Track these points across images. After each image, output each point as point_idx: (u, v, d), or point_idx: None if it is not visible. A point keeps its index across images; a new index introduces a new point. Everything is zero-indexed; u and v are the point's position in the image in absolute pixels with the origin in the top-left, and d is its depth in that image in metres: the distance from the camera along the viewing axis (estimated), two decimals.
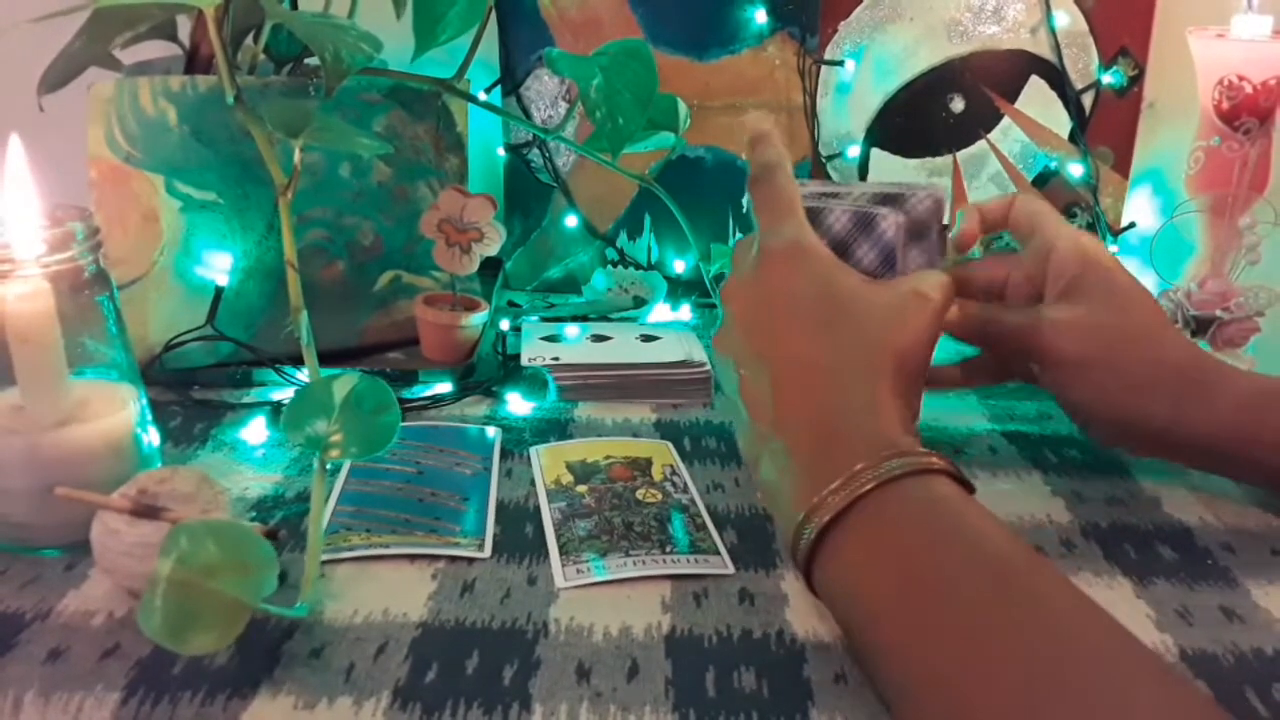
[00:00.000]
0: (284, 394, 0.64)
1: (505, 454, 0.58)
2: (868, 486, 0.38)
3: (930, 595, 0.36)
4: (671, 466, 0.56)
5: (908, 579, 0.37)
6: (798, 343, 0.45)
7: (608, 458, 0.57)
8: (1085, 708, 0.30)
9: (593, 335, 0.72)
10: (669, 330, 0.74)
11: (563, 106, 0.83)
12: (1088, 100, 0.81)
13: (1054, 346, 0.51)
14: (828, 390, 0.43)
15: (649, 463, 0.56)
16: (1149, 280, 0.81)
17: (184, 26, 0.68)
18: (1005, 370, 0.57)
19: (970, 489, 0.40)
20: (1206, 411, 0.50)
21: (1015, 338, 0.53)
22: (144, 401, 0.51)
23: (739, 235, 0.85)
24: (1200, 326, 0.65)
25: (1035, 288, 0.54)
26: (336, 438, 0.45)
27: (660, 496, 0.53)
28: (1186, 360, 0.51)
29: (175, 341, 0.65)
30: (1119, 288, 0.52)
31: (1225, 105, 0.69)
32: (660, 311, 0.80)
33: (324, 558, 0.46)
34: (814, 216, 0.55)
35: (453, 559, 0.47)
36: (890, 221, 0.54)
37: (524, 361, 0.66)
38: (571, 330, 0.72)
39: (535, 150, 0.84)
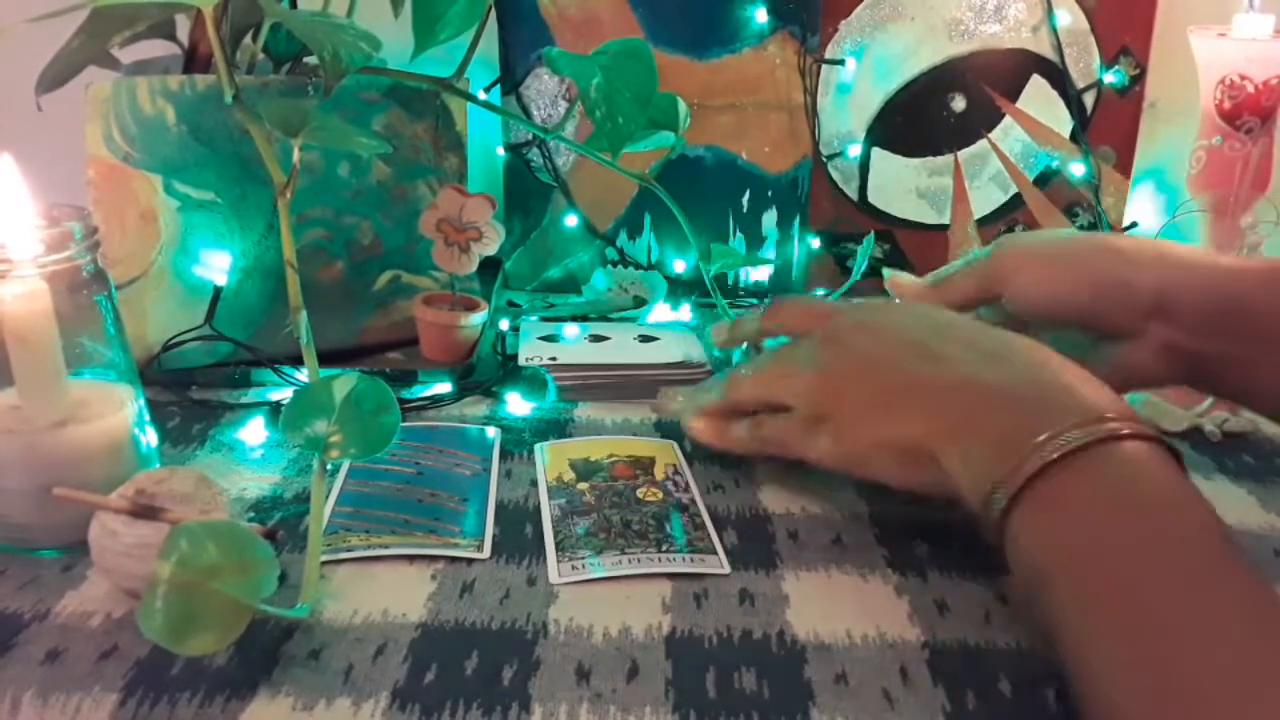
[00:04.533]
0: (283, 394, 0.64)
1: (505, 454, 0.58)
2: (1056, 454, 0.39)
3: (1120, 565, 0.36)
4: (674, 466, 0.56)
5: (1098, 548, 0.37)
6: (954, 347, 0.46)
7: (611, 456, 0.57)
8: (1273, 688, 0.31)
9: (591, 335, 0.72)
10: (668, 330, 0.74)
11: (562, 106, 0.83)
12: (1089, 99, 0.81)
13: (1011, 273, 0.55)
14: (1003, 375, 0.44)
15: (652, 461, 0.56)
16: None
17: (183, 26, 0.68)
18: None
19: (1175, 452, 0.40)
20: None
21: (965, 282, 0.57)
22: (142, 401, 0.51)
23: (739, 235, 0.85)
24: None
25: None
26: (336, 438, 0.45)
27: (661, 496, 0.53)
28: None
29: (173, 341, 0.64)
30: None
31: (1227, 104, 0.69)
32: (660, 311, 0.80)
33: (323, 558, 0.46)
34: None
35: (452, 560, 0.47)
36: None
37: (522, 361, 0.66)
38: (570, 330, 0.72)
39: (535, 150, 0.84)
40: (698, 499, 0.53)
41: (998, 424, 0.42)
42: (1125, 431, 0.39)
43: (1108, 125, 0.82)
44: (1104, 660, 0.34)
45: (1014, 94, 0.82)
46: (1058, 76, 0.81)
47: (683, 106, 0.69)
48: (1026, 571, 0.40)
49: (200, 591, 0.37)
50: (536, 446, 0.58)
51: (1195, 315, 0.51)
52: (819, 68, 0.82)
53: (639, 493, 0.53)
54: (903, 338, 0.48)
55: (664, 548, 0.48)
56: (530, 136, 0.84)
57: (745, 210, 0.84)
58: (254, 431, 0.59)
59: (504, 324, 0.74)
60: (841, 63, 0.82)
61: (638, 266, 0.85)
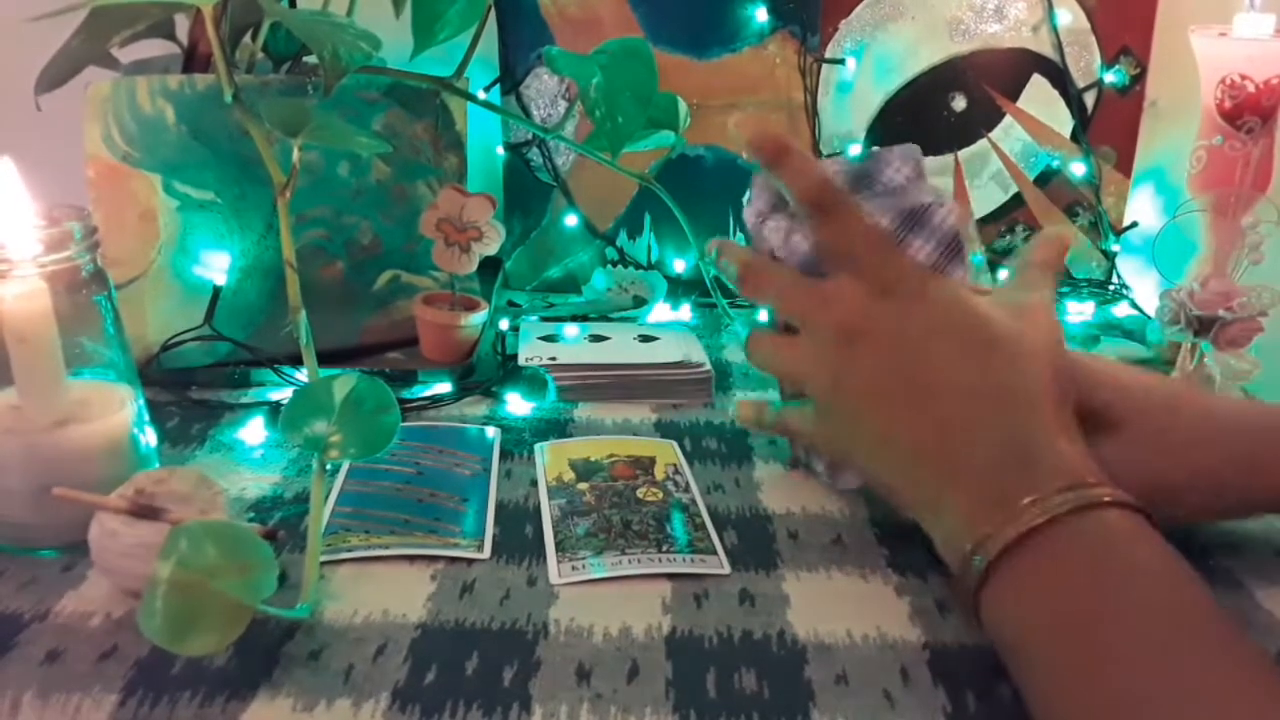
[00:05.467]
0: (282, 394, 0.64)
1: (505, 454, 0.58)
2: (1042, 519, 0.38)
3: (1098, 635, 0.35)
4: (674, 466, 0.56)
5: (1078, 616, 0.36)
6: (952, 383, 0.43)
7: (611, 456, 0.57)
8: None
9: (591, 335, 0.72)
10: (667, 330, 0.74)
11: (562, 105, 0.83)
12: (1090, 99, 0.81)
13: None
14: (993, 425, 0.42)
15: (652, 461, 0.56)
16: (1151, 280, 0.81)
17: (182, 25, 0.68)
18: None
19: (1152, 520, 0.39)
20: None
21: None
22: (141, 401, 0.51)
23: (739, 235, 0.84)
24: (1203, 327, 0.65)
25: None
26: (335, 438, 0.45)
27: (661, 496, 0.53)
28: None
29: (173, 341, 0.64)
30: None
31: (1227, 104, 0.69)
32: (660, 311, 0.79)
33: (323, 559, 0.46)
34: None
35: (452, 560, 0.47)
36: (946, 209, 0.49)
37: (522, 361, 0.66)
38: (570, 330, 0.72)
39: (535, 149, 0.84)
40: (698, 499, 0.53)
41: (981, 480, 0.41)
42: (1107, 499, 0.38)
43: (1108, 125, 0.82)
44: None
45: (1014, 93, 0.81)
46: (1058, 76, 0.81)
47: (682, 106, 0.69)
48: (1002, 635, 0.39)
49: (200, 592, 0.37)
50: (536, 446, 0.58)
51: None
52: (819, 67, 0.82)
53: (639, 493, 0.53)
54: (905, 372, 0.45)
55: (664, 548, 0.48)
56: (530, 136, 0.84)
57: (744, 208, 0.84)
58: (254, 431, 0.59)
59: (504, 324, 0.74)
60: (842, 62, 0.82)
61: (638, 266, 0.85)
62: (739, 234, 0.84)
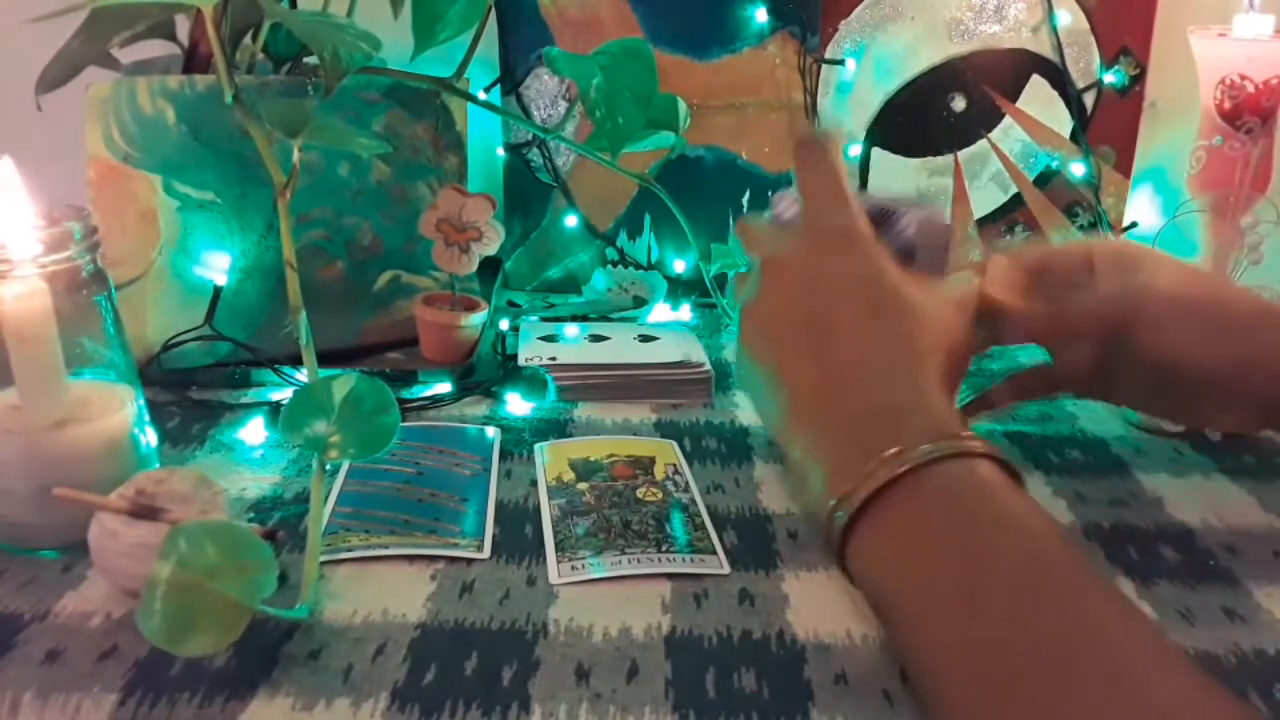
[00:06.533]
0: (283, 394, 0.64)
1: (504, 454, 0.58)
2: (904, 468, 0.38)
3: (962, 580, 0.35)
4: (674, 465, 0.56)
5: (942, 562, 0.36)
6: (845, 324, 0.44)
7: (610, 456, 0.57)
8: (1105, 701, 0.30)
9: (590, 335, 0.72)
10: (667, 330, 0.74)
11: (562, 106, 0.83)
12: (1089, 99, 0.81)
13: (1138, 310, 0.50)
14: (873, 372, 0.43)
15: (651, 461, 0.56)
16: None
17: (182, 26, 0.68)
18: (1061, 378, 0.55)
19: (1016, 475, 0.39)
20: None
21: (1095, 314, 0.51)
22: (142, 402, 0.51)
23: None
24: None
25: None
26: (335, 438, 0.45)
27: (661, 495, 0.53)
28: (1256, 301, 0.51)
29: (173, 341, 0.64)
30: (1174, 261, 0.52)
31: (1227, 105, 0.69)
32: (660, 311, 0.80)
33: (323, 559, 0.46)
34: None
35: (452, 560, 0.47)
36: (909, 218, 0.52)
37: (522, 361, 0.66)
38: (570, 330, 0.72)
39: (535, 150, 0.84)
40: (698, 499, 0.53)
41: (851, 429, 0.41)
42: (973, 450, 0.39)
43: (1108, 125, 0.82)
44: (949, 679, 0.34)
45: (1014, 94, 0.81)
46: (1058, 76, 0.81)
47: (683, 107, 0.69)
48: (868, 586, 0.40)
49: (198, 592, 0.37)
50: (536, 446, 0.58)
51: None
52: (819, 68, 0.82)
53: (639, 493, 0.53)
54: (806, 305, 0.46)
55: (664, 548, 0.48)
56: (530, 136, 0.84)
57: (745, 210, 0.84)
58: (254, 431, 0.59)
59: (504, 324, 0.74)
60: (841, 63, 0.82)
61: (638, 266, 0.85)
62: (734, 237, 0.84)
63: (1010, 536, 0.36)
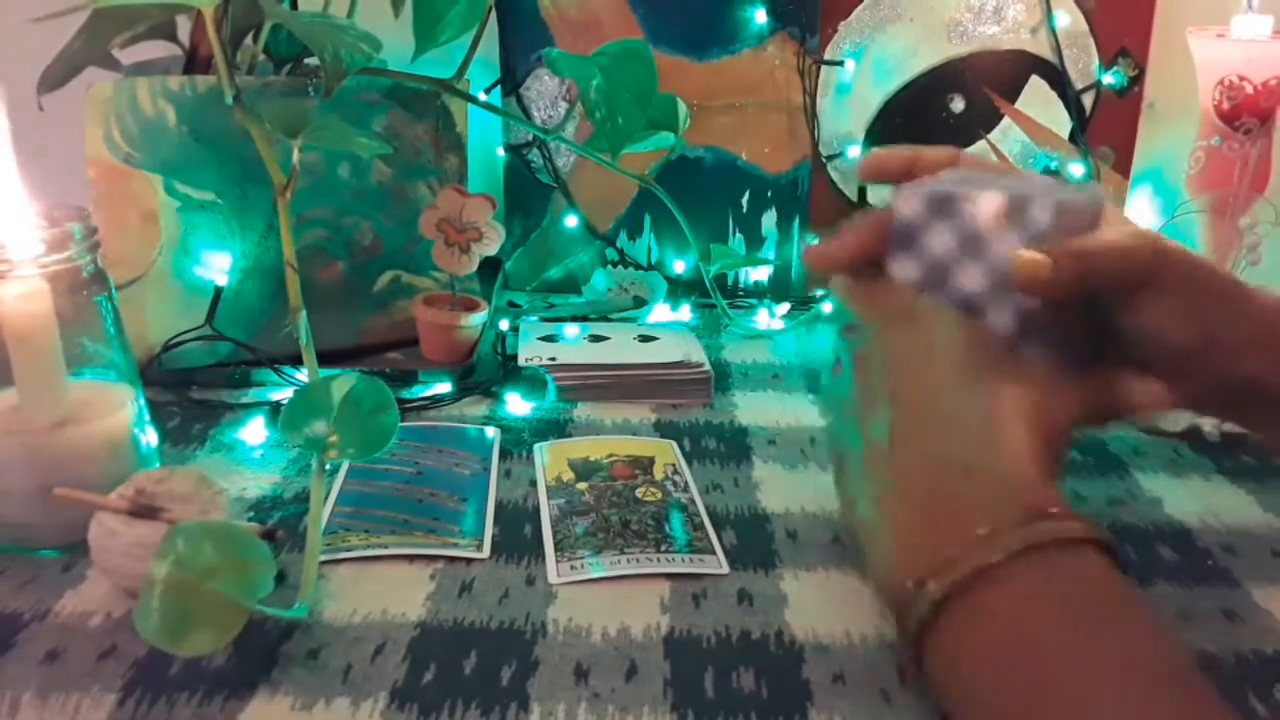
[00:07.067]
0: (283, 394, 0.64)
1: (504, 454, 0.58)
2: (996, 558, 0.33)
3: (1063, 702, 0.31)
4: (673, 465, 0.56)
5: (1036, 679, 0.32)
6: (942, 387, 0.40)
7: (610, 456, 0.57)
8: None
9: (590, 335, 0.72)
10: (667, 330, 0.74)
11: (563, 106, 0.83)
12: (1088, 100, 0.81)
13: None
14: (961, 438, 0.38)
15: (651, 461, 0.56)
16: None
17: (183, 26, 0.68)
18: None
19: (1119, 561, 0.35)
20: None
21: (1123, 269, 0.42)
22: (142, 402, 0.51)
23: (739, 236, 0.85)
24: None
25: None
26: (335, 438, 0.45)
27: (660, 495, 0.53)
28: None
29: (174, 341, 0.65)
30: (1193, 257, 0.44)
31: (1225, 105, 0.69)
32: (660, 312, 0.80)
33: (322, 558, 0.46)
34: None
35: (451, 559, 0.47)
36: (1043, 203, 0.42)
37: (522, 361, 0.66)
38: (570, 330, 0.72)
39: (535, 150, 0.84)
40: (697, 499, 0.53)
41: (937, 502, 0.37)
42: (1070, 536, 0.34)
43: (1107, 126, 0.82)
44: None
45: (1013, 95, 0.82)
46: (1057, 77, 0.81)
47: (682, 107, 0.69)
48: (952, 681, 0.35)
49: (196, 592, 0.37)
50: (536, 446, 0.58)
51: None
52: (818, 69, 0.82)
53: (638, 492, 0.53)
54: (885, 388, 0.41)
55: (663, 548, 0.48)
56: (530, 137, 0.84)
57: (745, 210, 0.84)
58: (254, 431, 0.59)
59: (504, 324, 0.74)
60: (841, 64, 0.82)
61: (638, 267, 0.85)
62: (737, 235, 0.85)
63: (1130, 650, 0.32)
